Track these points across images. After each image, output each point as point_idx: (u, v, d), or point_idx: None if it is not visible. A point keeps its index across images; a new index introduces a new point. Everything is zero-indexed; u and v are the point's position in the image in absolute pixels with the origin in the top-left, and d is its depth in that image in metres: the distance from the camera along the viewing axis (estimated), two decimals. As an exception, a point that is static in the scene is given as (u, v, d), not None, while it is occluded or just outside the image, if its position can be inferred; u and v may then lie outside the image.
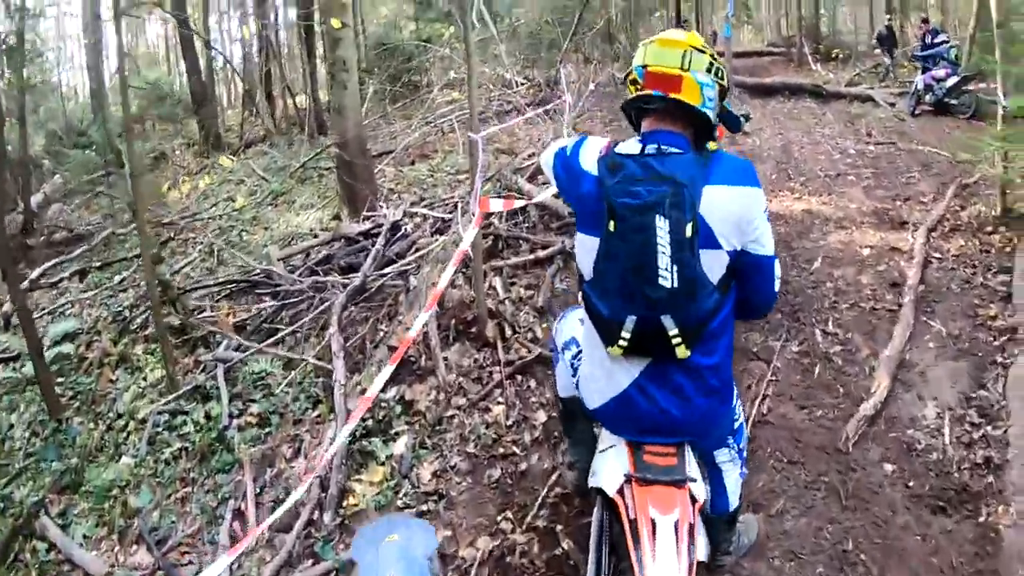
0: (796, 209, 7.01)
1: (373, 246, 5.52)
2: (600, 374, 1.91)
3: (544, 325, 4.65)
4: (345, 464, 3.55)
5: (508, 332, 4.38)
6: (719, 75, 1.83)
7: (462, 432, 3.75)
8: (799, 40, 18.98)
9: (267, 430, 4.11)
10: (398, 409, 3.84)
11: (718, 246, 1.71)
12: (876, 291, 5.16)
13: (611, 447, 1.95)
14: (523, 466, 3.53)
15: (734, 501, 2.20)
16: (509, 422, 3.78)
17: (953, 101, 10.75)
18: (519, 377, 4.11)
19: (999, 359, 4.13)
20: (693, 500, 1.79)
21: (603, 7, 14.52)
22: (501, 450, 3.64)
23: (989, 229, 5.86)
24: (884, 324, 4.67)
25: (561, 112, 8.54)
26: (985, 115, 9.35)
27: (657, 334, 1.70)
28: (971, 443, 3.53)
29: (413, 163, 9.61)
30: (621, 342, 1.74)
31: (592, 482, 1.98)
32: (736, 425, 2.15)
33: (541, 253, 5.28)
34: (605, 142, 1.89)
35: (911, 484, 3.32)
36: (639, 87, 1.83)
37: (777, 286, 1.94)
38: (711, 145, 1.84)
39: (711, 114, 1.81)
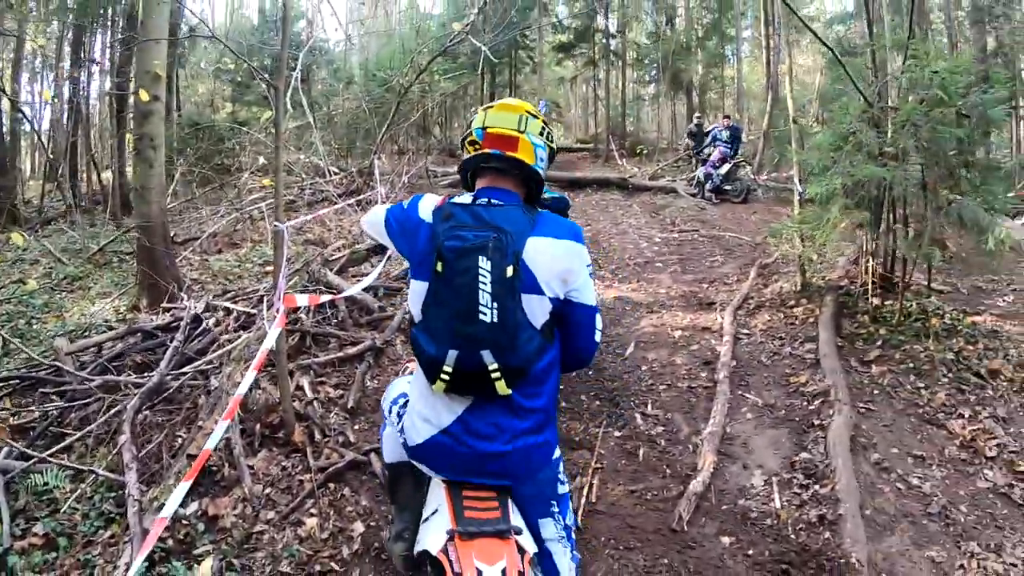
0: (607, 297, 8.22)
1: (172, 342, 5.84)
2: (427, 412, 2.32)
3: (356, 427, 4.95)
4: (144, 592, 3.44)
5: (318, 436, 4.75)
6: (549, 139, 2.47)
7: (273, 550, 3.84)
8: (606, 137, 23.12)
9: (54, 554, 3.96)
10: (200, 526, 3.90)
11: (541, 292, 2.23)
12: (691, 370, 6.24)
13: (434, 512, 2.32)
14: (343, 583, 3.68)
15: None
16: (324, 535, 3.96)
17: (727, 187, 14.38)
18: (332, 485, 4.33)
19: (815, 421, 5.20)
20: (521, 551, 2.14)
21: (420, 100, 16.46)
22: (318, 567, 3.76)
23: (792, 303, 7.41)
24: (702, 401, 5.65)
25: (373, 203, 9.59)
26: (749, 198, 12.23)
27: (478, 370, 2.14)
28: (802, 504, 4.38)
29: (220, 252, 10.17)
30: (443, 376, 2.17)
31: (418, 547, 2.30)
32: (560, 491, 2.52)
33: (351, 350, 5.84)
34: (440, 197, 2.44)
35: (751, 552, 4.01)
36: (478, 147, 2.41)
37: (598, 337, 2.47)
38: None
39: (543, 173, 2.43)
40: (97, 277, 9.92)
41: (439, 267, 2.17)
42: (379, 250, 8.08)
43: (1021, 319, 7.70)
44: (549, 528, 2.45)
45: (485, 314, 2.12)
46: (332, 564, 3.80)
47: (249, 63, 6.99)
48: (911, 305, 6.81)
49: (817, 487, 4.51)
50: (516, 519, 2.28)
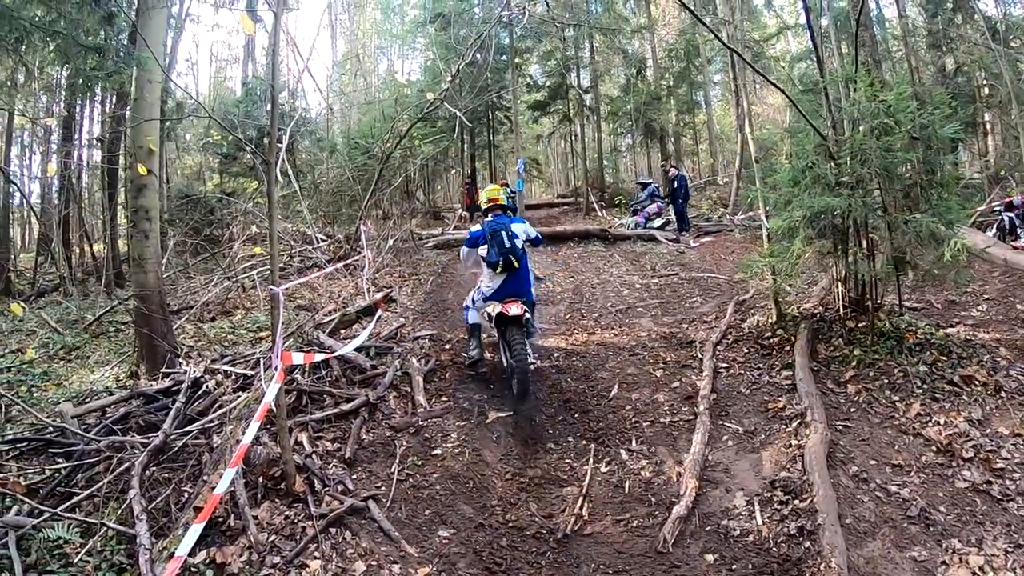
0: (591, 343, 8.74)
1: (174, 404, 6.25)
2: (493, 284, 7.44)
3: (354, 476, 5.36)
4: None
5: (318, 485, 5.16)
6: (510, 194, 12.15)
7: None
8: (585, 190, 24.00)
9: (67, 605, 4.20)
10: (209, 573, 4.21)
11: (518, 237, 7.43)
12: (673, 406, 6.71)
13: (490, 307, 7.31)
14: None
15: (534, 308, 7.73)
16: None
17: (654, 230, 16.67)
18: (333, 530, 4.71)
19: (793, 442, 5.63)
20: (525, 307, 7.17)
21: (402, 165, 17.27)
22: (323, 605, 4.09)
23: (768, 334, 7.91)
24: (684, 434, 6.11)
25: (361, 268, 10.43)
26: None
27: (510, 262, 7.28)
28: (783, 519, 4.78)
29: (214, 319, 10.53)
30: (498, 269, 7.31)
31: (488, 317, 7.40)
32: (532, 300, 7.63)
33: (346, 406, 6.31)
34: (476, 232, 7.63)
35: (735, 567, 4.41)
36: (488, 204, 7.80)
37: (541, 238, 8.19)
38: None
39: (510, 203, 8.68)
40: (94, 347, 10.30)
41: (490, 237, 7.35)
42: (368, 312, 8.53)
43: (994, 326, 8.24)
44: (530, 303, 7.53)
45: (510, 247, 7.27)
46: (336, 604, 4.16)
47: (239, 137, 7.57)
48: (884, 324, 7.27)
49: (796, 502, 4.92)
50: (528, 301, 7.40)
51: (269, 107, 5.21)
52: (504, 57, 23.04)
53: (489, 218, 7.52)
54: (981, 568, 4.30)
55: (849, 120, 7.52)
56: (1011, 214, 12.26)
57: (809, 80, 14.54)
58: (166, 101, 15.83)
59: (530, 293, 7.47)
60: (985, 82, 20.64)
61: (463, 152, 25.57)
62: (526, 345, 6.85)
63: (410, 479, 5.44)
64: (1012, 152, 18.09)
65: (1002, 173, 18.32)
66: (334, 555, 4.48)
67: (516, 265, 7.20)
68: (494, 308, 7.11)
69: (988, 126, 22.90)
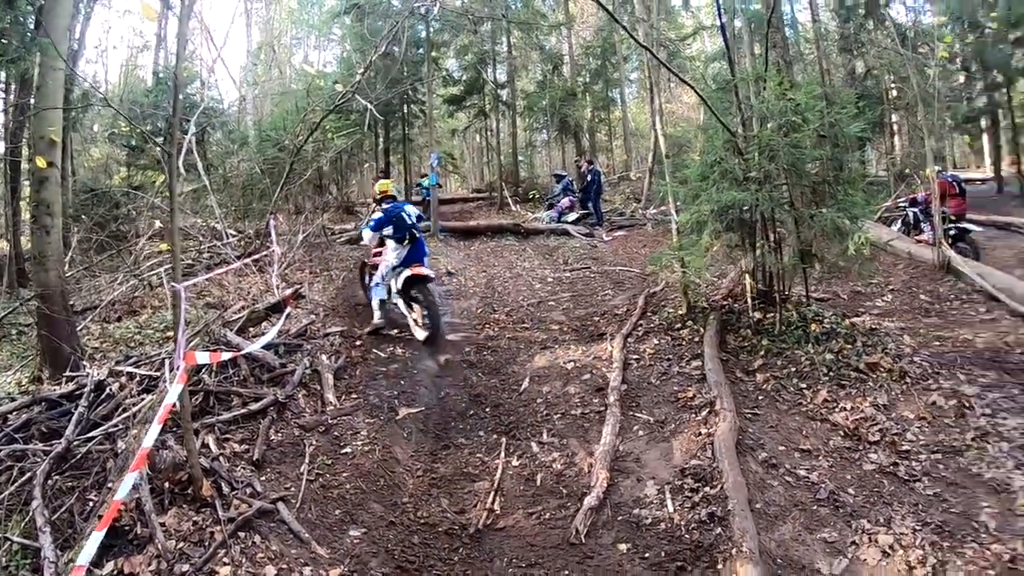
0: (503, 337, 8.71)
1: (77, 409, 5.98)
2: (400, 255, 8.76)
3: (263, 478, 5.15)
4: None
5: (226, 489, 4.95)
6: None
7: None
8: (500, 184, 23.98)
9: (-31, 623, 3.95)
10: None
11: (414, 216, 8.95)
12: (584, 398, 6.70)
13: (400, 276, 8.70)
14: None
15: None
16: None
17: (568, 225, 16.80)
18: (242, 534, 4.52)
19: (703, 431, 5.66)
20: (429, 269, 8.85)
21: (315, 158, 16.76)
22: (234, 612, 3.91)
23: (678, 326, 8.00)
24: (595, 425, 6.08)
25: (271, 263, 10.21)
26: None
27: (412, 235, 8.79)
28: (694, 506, 4.80)
29: (120, 319, 10.03)
30: (404, 242, 8.74)
31: (395, 290, 8.82)
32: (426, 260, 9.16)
33: (254, 406, 6.09)
34: (380, 219, 8.85)
35: (647, 555, 4.40)
36: (383, 195, 9.23)
37: (424, 217, 11.27)
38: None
39: (399, 195, 9.93)
40: (-5, 350, 9.71)
41: (395, 220, 8.74)
42: (278, 309, 8.29)
43: (897, 315, 8.56)
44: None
45: (408, 222, 8.77)
46: (249, 608, 3.97)
47: (143, 129, 7.19)
48: (792, 315, 7.44)
49: (707, 489, 4.94)
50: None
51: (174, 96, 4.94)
52: (421, 50, 22.72)
53: (386, 205, 8.93)
54: (891, 546, 4.41)
55: (759, 118, 7.67)
56: (915, 210, 12.84)
57: (722, 79, 14.90)
58: (71, 90, 15.03)
59: (425, 261, 8.96)
60: (893, 85, 21.54)
61: (377, 146, 25.14)
62: (434, 295, 8.79)
63: (320, 479, 5.28)
64: (917, 151, 18.85)
65: (907, 171, 19.24)
66: (244, 560, 4.31)
67: (417, 236, 8.78)
68: (403, 275, 8.55)
69: (895, 127, 23.97)
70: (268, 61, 32.97)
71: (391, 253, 8.82)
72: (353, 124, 19.61)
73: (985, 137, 23.28)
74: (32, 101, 9.71)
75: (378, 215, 8.94)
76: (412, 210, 9.02)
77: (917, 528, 4.56)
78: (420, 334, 8.34)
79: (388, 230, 8.73)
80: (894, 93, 21.96)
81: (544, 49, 27.24)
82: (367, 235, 8.97)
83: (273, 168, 15.76)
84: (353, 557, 4.49)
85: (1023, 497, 4.85)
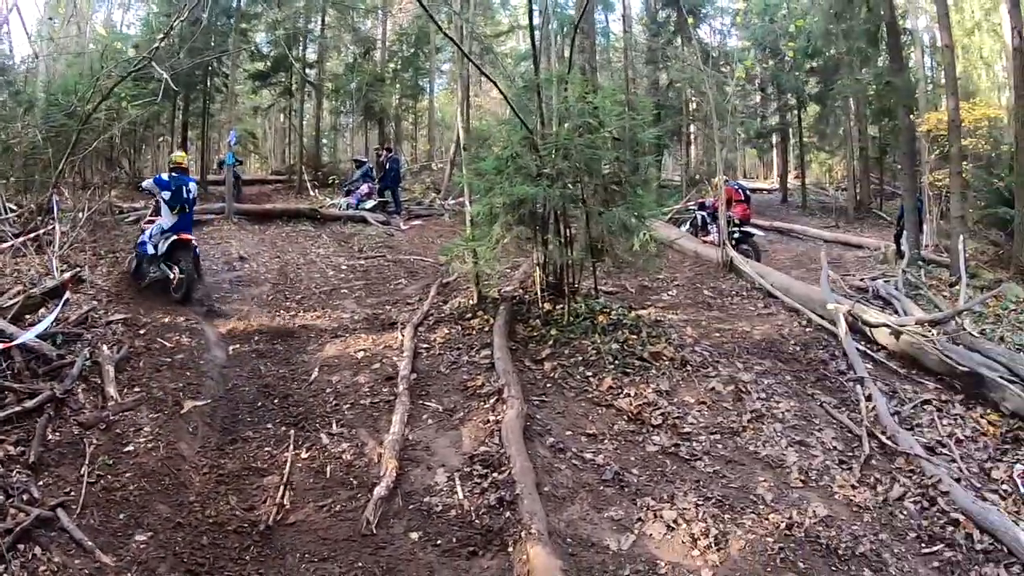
0: (293, 326, 8.53)
1: None
2: (171, 221, 9.44)
3: (40, 483, 4.67)
4: None
5: (1, 497, 4.43)
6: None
7: None
8: (300, 168, 23.29)
9: None
10: None
11: (193, 191, 9.92)
12: (373, 387, 6.69)
13: (167, 240, 9.32)
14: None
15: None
16: None
17: (365, 212, 16.80)
18: (21, 546, 4.09)
19: (491, 418, 5.82)
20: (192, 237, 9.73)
21: (106, 128, 15.10)
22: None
23: (469, 316, 8.18)
24: (384, 415, 6.09)
25: (51, 243, 9.39)
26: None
27: (184, 206, 9.61)
28: (483, 491, 4.92)
29: None
30: (175, 210, 9.46)
31: (160, 252, 9.38)
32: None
33: (29, 403, 5.51)
34: (166, 173, 9.78)
35: (439, 542, 4.46)
36: (173, 166, 9.90)
37: (196, 198, 10.58)
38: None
39: (190, 171, 11.64)
40: None
41: (174, 188, 9.43)
42: (55, 294, 7.49)
43: (682, 308, 9.23)
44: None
45: (184, 195, 9.54)
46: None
47: None
48: (580, 307, 7.81)
49: (495, 475, 5.08)
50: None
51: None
52: (231, 20, 21.39)
53: (174, 174, 9.71)
54: (675, 521, 4.74)
55: (558, 117, 7.93)
56: (703, 213, 13.96)
57: (529, 78, 15.29)
58: None
59: (191, 230, 9.99)
60: (693, 98, 23.12)
61: (175, 119, 23.45)
62: (192, 262, 9.34)
63: (101, 481, 4.86)
64: (710, 160, 20.47)
65: (698, 177, 20.91)
66: (25, 575, 3.92)
67: (187, 209, 9.78)
68: (170, 240, 9.30)
69: (693, 136, 25.83)
70: (67, 17, 29.71)
71: (165, 219, 9.53)
72: (150, 94, 18.13)
73: (775, 152, 25.62)
74: None
75: (165, 176, 9.71)
76: (193, 188, 10.03)
77: (699, 503, 4.94)
78: (175, 295, 9.17)
79: (167, 195, 9.47)
80: (694, 106, 23.62)
81: (357, 32, 26.71)
82: (147, 183, 10.02)
83: (59, 137, 14.26)
84: (140, 564, 4.18)
85: (796, 472, 5.41)
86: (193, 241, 9.57)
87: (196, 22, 17.61)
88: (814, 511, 4.88)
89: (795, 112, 22.83)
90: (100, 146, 15.45)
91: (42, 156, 14.38)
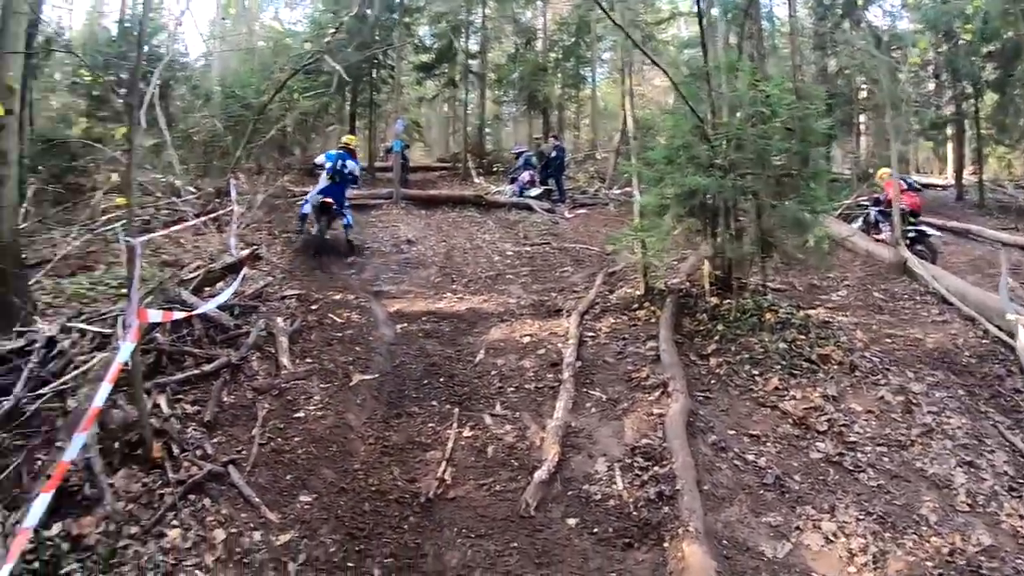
0: (460, 309, 8.69)
1: (27, 365, 5.69)
2: (322, 185, 11.54)
3: (214, 440, 5.07)
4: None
5: (176, 451, 4.86)
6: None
7: (138, 563, 3.92)
8: (464, 156, 23.93)
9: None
10: (65, 546, 3.96)
11: (348, 167, 11.66)
12: (538, 372, 6.74)
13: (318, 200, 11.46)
14: (209, 590, 3.85)
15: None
16: (187, 545, 4.11)
17: (530, 199, 16.79)
18: (192, 497, 4.47)
19: (655, 411, 5.75)
20: (335, 202, 11.51)
21: (280, 118, 16.39)
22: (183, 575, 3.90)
23: (635, 306, 8.09)
24: (548, 400, 6.14)
25: (229, 223, 9.97)
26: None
27: (336, 176, 11.53)
28: (643, 484, 4.88)
29: (73, 274, 9.61)
30: (327, 177, 11.55)
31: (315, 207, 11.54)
32: (346, 211, 11.86)
33: (207, 367, 5.97)
34: (329, 155, 12.06)
35: (596, 531, 4.47)
36: (342, 146, 12.50)
37: (358, 178, 12.43)
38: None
39: (357, 152, 13.07)
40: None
41: (335, 160, 11.64)
42: (234, 269, 8.12)
43: (852, 310, 8.75)
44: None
45: (338, 167, 11.54)
46: (197, 572, 3.96)
47: (106, 78, 6.86)
48: (748, 303, 7.55)
49: (656, 468, 5.02)
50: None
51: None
52: (394, 15, 22.31)
53: (340, 151, 11.97)
54: (833, 533, 4.55)
55: (728, 107, 7.72)
56: (876, 209, 13.08)
57: (695, 66, 14.95)
58: (34, 35, 14.42)
59: (342, 202, 11.67)
60: (864, 86, 21.83)
61: (343, 109, 24.73)
62: (327, 224, 11.32)
63: (271, 443, 5.20)
64: (882, 153, 19.26)
65: (870, 171, 19.61)
66: (193, 523, 4.27)
67: (338, 180, 11.47)
68: (319, 199, 11.28)
69: (863, 127, 24.39)
70: (237, 16, 32.07)
71: (320, 183, 11.61)
72: (321, 86, 19.24)
73: (949, 145, 23.80)
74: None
75: (333, 152, 12.03)
76: (352, 165, 11.81)
77: (860, 517, 4.71)
78: (314, 231, 11.43)
79: (328, 165, 11.58)
80: (864, 94, 22.28)
81: (518, 22, 26.98)
82: (320, 158, 12.11)
83: (236, 126, 15.43)
84: (303, 523, 4.46)
85: (963, 494, 5.03)
86: (335, 206, 11.35)
87: (363, 17, 18.38)
88: (978, 539, 4.57)
89: (971, 101, 20.98)
90: (274, 135, 16.54)
91: (220, 144, 15.60)
